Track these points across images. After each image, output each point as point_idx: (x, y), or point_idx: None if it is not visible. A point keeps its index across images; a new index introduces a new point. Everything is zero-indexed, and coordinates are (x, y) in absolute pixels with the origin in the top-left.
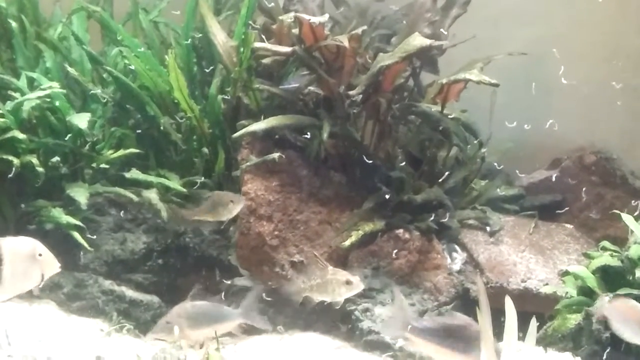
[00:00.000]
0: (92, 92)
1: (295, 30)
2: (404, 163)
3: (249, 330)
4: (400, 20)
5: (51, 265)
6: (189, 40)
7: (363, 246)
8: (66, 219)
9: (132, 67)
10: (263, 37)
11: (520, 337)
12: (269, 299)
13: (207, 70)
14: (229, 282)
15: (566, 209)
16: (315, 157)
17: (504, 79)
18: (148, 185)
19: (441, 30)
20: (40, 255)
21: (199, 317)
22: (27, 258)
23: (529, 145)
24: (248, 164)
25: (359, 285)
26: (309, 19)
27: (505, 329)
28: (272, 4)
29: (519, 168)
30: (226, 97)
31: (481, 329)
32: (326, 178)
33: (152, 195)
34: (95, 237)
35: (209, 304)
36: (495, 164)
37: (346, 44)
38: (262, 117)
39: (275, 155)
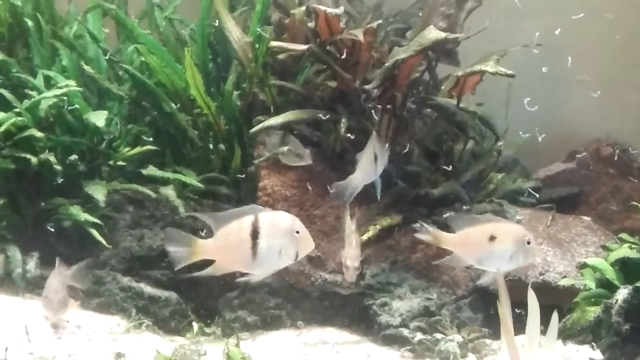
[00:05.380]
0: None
1: (311, 24)
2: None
3: (267, 326)
4: (415, 14)
5: (307, 244)
6: (205, 37)
7: (380, 240)
8: (84, 216)
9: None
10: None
11: (540, 330)
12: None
13: (222, 67)
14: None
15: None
16: (332, 152)
17: (519, 72)
18: (165, 182)
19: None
20: (297, 232)
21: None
22: (285, 234)
23: (545, 137)
24: (261, 159)
25: None
26: (325, 10)
27: (527, 322)
28: None
29: (535, 161)
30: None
31: (502, 322)
32: (342, 173)
33: (169, 191)
34: (113, 234)
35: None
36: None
37: (361, 38)
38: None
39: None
